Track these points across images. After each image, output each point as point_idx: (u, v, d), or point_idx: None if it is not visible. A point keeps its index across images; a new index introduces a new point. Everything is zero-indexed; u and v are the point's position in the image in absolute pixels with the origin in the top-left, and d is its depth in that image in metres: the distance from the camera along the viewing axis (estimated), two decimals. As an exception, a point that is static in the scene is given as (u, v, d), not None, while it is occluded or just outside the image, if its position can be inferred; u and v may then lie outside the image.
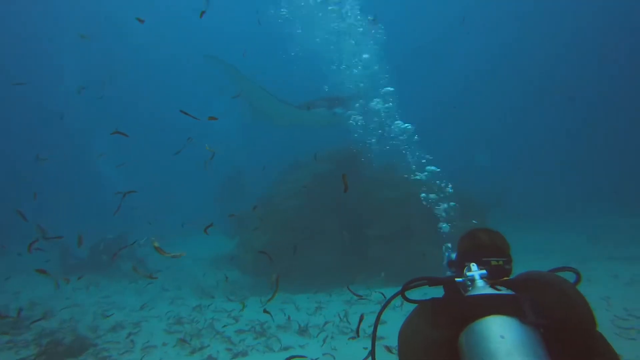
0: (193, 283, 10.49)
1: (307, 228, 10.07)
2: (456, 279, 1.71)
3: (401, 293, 1.75)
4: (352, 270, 9.77)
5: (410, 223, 9.65)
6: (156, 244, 3.84)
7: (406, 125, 9.45)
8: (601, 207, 15.74)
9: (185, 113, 5.12)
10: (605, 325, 5.74)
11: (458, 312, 1.43)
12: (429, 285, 1.79)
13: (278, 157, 13.57)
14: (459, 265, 1.82)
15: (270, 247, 9.96)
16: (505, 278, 1.69)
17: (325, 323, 6.86)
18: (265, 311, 6.33)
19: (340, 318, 7.00)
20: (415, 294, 1.68)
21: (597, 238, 12.04)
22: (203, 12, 8.75)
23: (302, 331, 6.58)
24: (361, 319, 4.18)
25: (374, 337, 1.90)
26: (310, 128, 13.68)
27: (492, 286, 1.55)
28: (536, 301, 1.38)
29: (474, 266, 1.69)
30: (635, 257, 9.46)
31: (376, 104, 10.10)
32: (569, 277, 1.74)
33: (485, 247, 1.81)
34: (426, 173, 8.70)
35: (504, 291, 1.47)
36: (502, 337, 1.28)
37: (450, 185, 8.22)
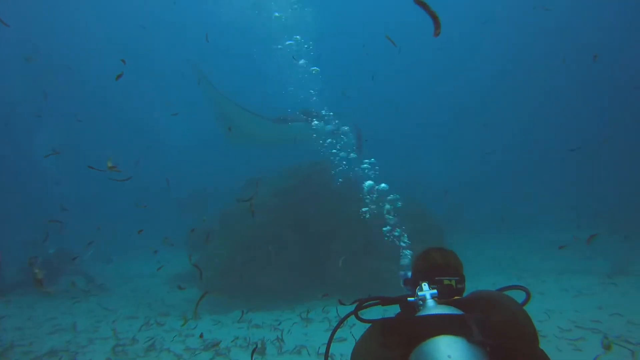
0: (149, 301, 10.07)
1: (268, 244, 9.97)
2: (408, 299, 1.75)
3: (354, 313, 1.79)
4: (312, 287, 9.72)
5: (371, 240, 9.73)
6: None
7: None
8: (556, 222, 16.44)
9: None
10: (552, 336, 5.98)
11: (408, 333, 1.45)
12: (382, 305, 1.84)
13: (242, 173, 13.41)
14: (414, 284, 1.85)
15: (230, 264, 9.83)
16: (456, 297, 1.74)
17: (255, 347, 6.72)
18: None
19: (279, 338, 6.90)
20: (374, 313, 1.70)
21: (550, 253, 12.57)
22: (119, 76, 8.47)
23: (259, 350, 6.42)
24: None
25: (326, 356, 1.88)
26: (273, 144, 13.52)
27: (443, 305, 1.59)
28: (483, 320, 1.42)
29: (425, 286, 1.73)
30: (584, 271, 9.94)
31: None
32: (520, 295, 1.80)
33: (438, 266, 1.86)
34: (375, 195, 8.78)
35: (452, 311, 1.49)
36: (449, 357, 1.30)
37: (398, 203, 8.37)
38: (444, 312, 1.48)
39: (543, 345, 4.64)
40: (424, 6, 2.14)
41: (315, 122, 11.30)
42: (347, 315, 1.87)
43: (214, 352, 6.39)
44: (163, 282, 11.97)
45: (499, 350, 1.38)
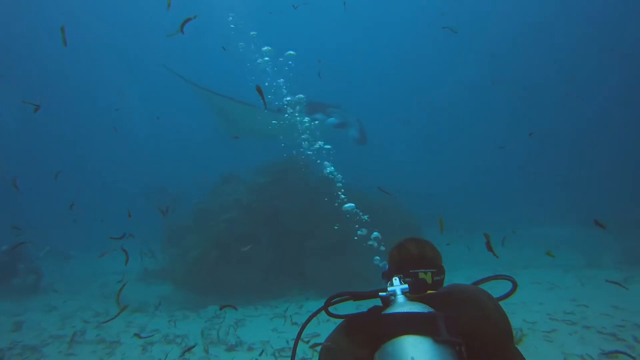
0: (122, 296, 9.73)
1: (241, 241, 9.76)
2: (380, 294, 1.65)
3: (324, 308, 1.71)
4: (286, 283, 9.59)
5: (346, 237, 9.61)
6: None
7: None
8: (534, 218, 16.68)
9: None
10: (526, 329, 5.97)
11: (373, 331, 1.37)
12: (353, 300, 1.75)
13: (215, 169, 13.11)
14: (390, 278, 1.77)
15: (204, 259, 9.60)
16: (430, 291, 1.66)
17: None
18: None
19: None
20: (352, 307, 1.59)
21: (526, 247, 12.72)
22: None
23: (230, 347, 6.21)
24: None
25: (293, 353, 1.80)
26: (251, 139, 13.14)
27: (414, 302, 1.49)
28: (453, 318, 1.33)
29: (396, 280, 1.65)
30: (558, 265, 10.04)
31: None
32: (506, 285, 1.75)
33: (413, 258, 1.77)
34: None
35: (418, 309, 1.40)
36: (412, 358, 1.21)
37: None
38: (410, 310, 1.39)
39: (517, 334, 4.56)
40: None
41: (319, 115, 11.04)
42: (317, 312, 1.81)
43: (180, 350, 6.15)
44: (136, 278, 11.62)
45: (470, 349, 1.29)
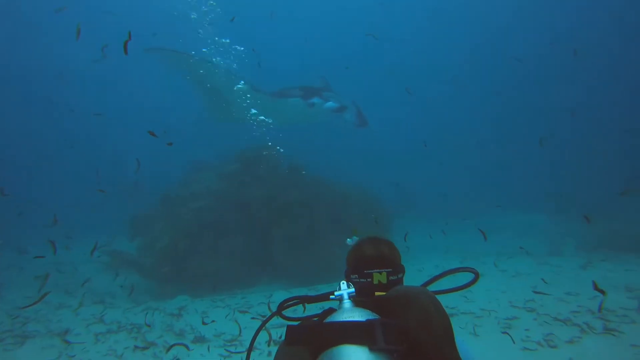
0: (85, 288, 9.49)
1: (210, 230, 9.64)
2: (330, 297, 1.61)
3: (278, 313, 1.71)
4: (256, 272, 9.53)
5: (315, 224, 9.61)
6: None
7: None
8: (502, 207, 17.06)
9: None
10: (489, 316, 6.09)
11: (311, 341, 1.32)
12: (306, 304, 1.75)
13: (185, 157, 12.87)
14: (347, 278, 1.74)
15: (172, 249, 9.46)
16: (379, 293, 1.61)
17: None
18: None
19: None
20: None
21: (492, 235, 12.99)
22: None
23: (197, 339, 6.14)
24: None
25: (247, 356, 1.76)
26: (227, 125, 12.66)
27: (358, 308, 1.45)
28: (391, 324, 1.28)
29: (343, 284, 1.59)
30: (523, 253, 10.29)
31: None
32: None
33: (368, 258, 1.72)
34: None
35: (359, 316, 1.36)
36: None
37: None
38: (348, 319, 1.36)
39: (480, 323, 4.61)
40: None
41: (316, 99, 10.69)
42: (270, 317, 1.75)
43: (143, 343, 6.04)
44: (103, 268, 11.32)
45: (409, 357, 1.26)
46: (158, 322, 6.91)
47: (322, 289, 8.45)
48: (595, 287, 4.87)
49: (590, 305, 6.18)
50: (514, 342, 5.15)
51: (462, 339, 1.74)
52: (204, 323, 6.64)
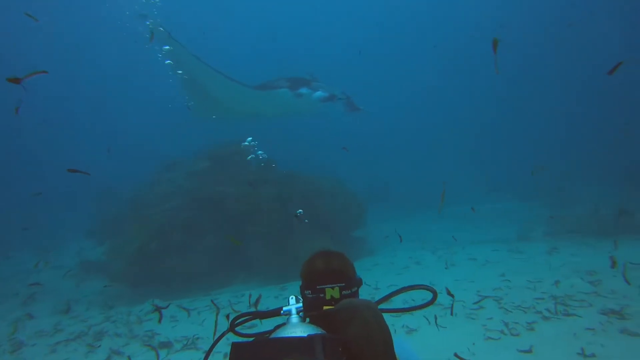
0: (52, 295, 9.29)
1: (182, 230, 9.52)
2: (281, 312, 1.65)
3: (231, 330, 1.74)
4: (231, 271, 9.49)
5: (290, 220, 9.59)
6: None
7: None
8: (473, 196, 17.37)
9: None
10: (457, 305, 6.21)
11: (255, 357, 1.33)
12: (259, 319, 1.75)
13: (153, 156, 12.63)
14: (302, 293, 1.75)
15: (142, 251, 9.31)
16: (327, 307, 1.62)
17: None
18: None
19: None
20: None
21: (464, 224, 13.25)
22: None
23: (163, 345, 6.08)
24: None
25: None
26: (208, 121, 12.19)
27: (304, 324, 1.49)
28: (332, 339, 1.30)
29: (292, 299, 1.66)
30: (492, 240, 10.52)
31: None
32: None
33: (319, 273, 1.71)
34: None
35: (303, 331, 1.40)
36: None
37: None
38: (291, 335, 1.40)
39: (447, 314, 4.67)
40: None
41: (304, 89, 10.33)
42: (222, 335, 1.77)
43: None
44: (72, 274, 11.07)
45: None
46: (125, 327, 6.82)
47: (298, 286, 8.44)
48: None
49: (553, 291, 6.38)
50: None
51: (402, 340, 1.77)
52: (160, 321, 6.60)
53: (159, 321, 6.54)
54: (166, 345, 6.01)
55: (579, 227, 10.10)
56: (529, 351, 4.69)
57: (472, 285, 7.17)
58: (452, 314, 5.77)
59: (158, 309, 6.00)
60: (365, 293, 7.24)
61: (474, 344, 5.01)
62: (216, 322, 5.27)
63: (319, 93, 10.45)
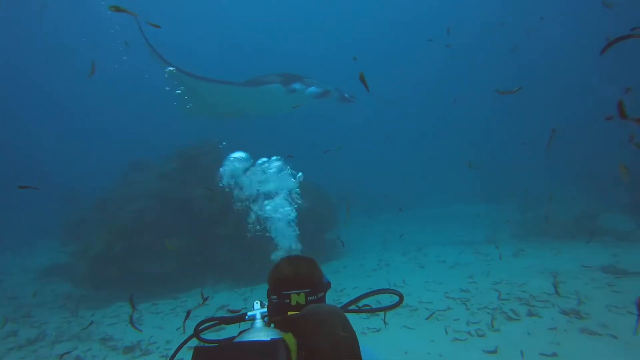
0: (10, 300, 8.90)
1: (151, 232, 9.28)
2: (246, 318, 1.66)
3: (195, 335, 1.72)
4: (200, 273, 9.31)
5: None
6: None
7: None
8: (445, 198, 17.64)
9: None
10: (423, 309, 6.27)
11: None
12: (224, 324, 1.75)
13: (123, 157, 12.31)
14: (269, 298, 1.72)
15: (109, 253, 9.03)
16: (292, 312, 1.59)
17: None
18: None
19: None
20: None
21: (434, 226, 13.44)
22: None
23: (128, 349, 5.89)
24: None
25: None
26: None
27: (269, 329, 1.50)
28: (297, 345, 1.32)
29: (256, 304, 1.67)
30: (462, 242, 10.69)
31: None
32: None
33: (287, 279, 1.68)
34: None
35: (266, 336, 1.39)
36: None
37: None
38: (255, 339, 1.40)
39: (413, 316, 4.69)
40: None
41: (297, 84, 10.06)
42: (187, 339, 1.76)
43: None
44: (32, 277, 10.66)
45: None
46: (84, 331, 6.58)
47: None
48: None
49: (518, 292, 6.52)
50: (446, 333, 5.34)
51: (368, 348, 1.74)
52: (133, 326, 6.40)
53: (131, 322, 6.32)
54: (130, 349, 5.83)
55: (544, 230, 10.38)
56: (494, 352, 4.77)
57: (441, 287, 7.25)
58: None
59: (131, 302, 5.79)
60: (331, 296, 7.23)
61: (432, 341, 5.07)
62: (184, 326, 5.15)
63: (312, 89, 10.28)
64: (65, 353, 5.64)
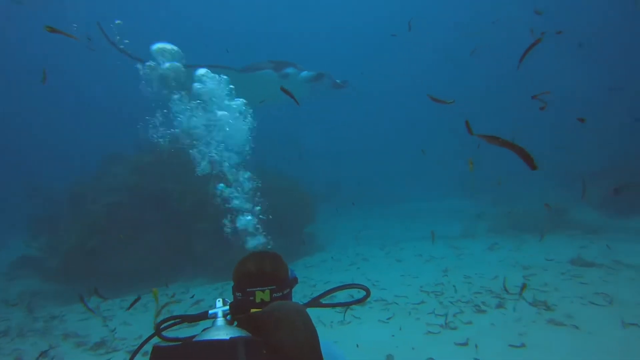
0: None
1: (125, 226, 9.12)
2: (208, 316, 1.61)
3: (157, 334, 1.67)
4: (176, 268, 9.20)
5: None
6: None
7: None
8: (421, 195, 17.84)
9: None
10: (401, 302, 6.33)
11: None
12: (187, 322, 1.72)
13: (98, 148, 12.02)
14: (234, 295, 1.69)
15: (81, 248, 8.84)
16: (254, 310, 1.57)
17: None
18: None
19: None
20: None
21: (412, 221, 13.59)
22: None
23: (98, 345, 5.78)
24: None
25: None
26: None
27: (230, 327, 1.48)
28: (255, 342, 1.29)
29: (218, 302, 1.64)
30: (438, 236, 10.79)
31: None
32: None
33: (251, 276, 1.65)
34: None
35: (226, 334, 1.36)
36: None
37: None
38: (214, 337, 1.37)
39: (388, 309, 4.72)
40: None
41: (290, 69, 10.03)
42: (148, 338, 1.70)
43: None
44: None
45: None
46: (51, 327, 6.45)
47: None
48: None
49: (490, 285, 6.65)
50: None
51: (330, 344, 1.74)
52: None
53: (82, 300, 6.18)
54: (101, 345, 5.73)
55: (518, 224, 10.62)
56: (464, 344, 4.85)
57: (416, 281, 7.34)
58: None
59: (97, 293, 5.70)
60: (304, 291, 7.26)
61: (405, 334, 5.13)
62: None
63: (305, 73, 10.25)
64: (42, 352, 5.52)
